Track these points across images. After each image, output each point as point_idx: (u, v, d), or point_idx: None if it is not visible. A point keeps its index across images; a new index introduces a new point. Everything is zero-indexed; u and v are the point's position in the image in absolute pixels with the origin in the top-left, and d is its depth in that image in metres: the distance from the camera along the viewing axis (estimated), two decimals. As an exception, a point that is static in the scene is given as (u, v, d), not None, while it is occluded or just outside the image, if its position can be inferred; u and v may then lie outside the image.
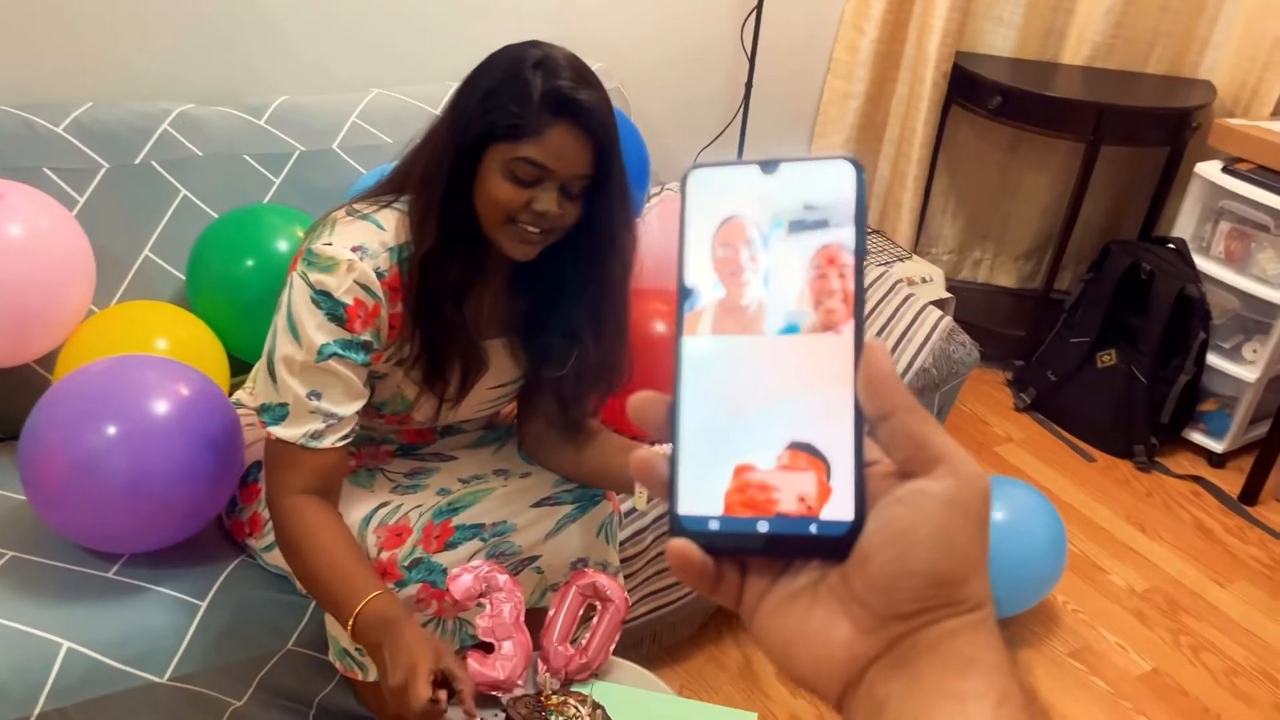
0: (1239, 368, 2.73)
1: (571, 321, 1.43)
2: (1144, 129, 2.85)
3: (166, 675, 1.42)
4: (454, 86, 2.31)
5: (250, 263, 1.76)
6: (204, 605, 1.47)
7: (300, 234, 1.80)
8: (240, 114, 2.01)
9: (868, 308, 2.31)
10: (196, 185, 1.91)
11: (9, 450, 1.55)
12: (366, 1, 2.20)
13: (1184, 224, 2.80)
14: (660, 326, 1.80)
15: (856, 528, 0.38)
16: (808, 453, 0.39)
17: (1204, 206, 2.77)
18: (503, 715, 1.23)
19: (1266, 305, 2.64)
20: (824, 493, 0.39)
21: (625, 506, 1.71)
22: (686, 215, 0.42)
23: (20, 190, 1.60)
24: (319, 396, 1.30)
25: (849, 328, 0.40)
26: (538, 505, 1.51)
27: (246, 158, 1.97)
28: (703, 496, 0.40)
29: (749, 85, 2.66)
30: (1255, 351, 2.72)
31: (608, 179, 1.33)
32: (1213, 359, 2.75)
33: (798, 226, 0.41)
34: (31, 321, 1.59)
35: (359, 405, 1.34)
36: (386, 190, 1.39)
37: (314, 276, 1.28)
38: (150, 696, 1.41)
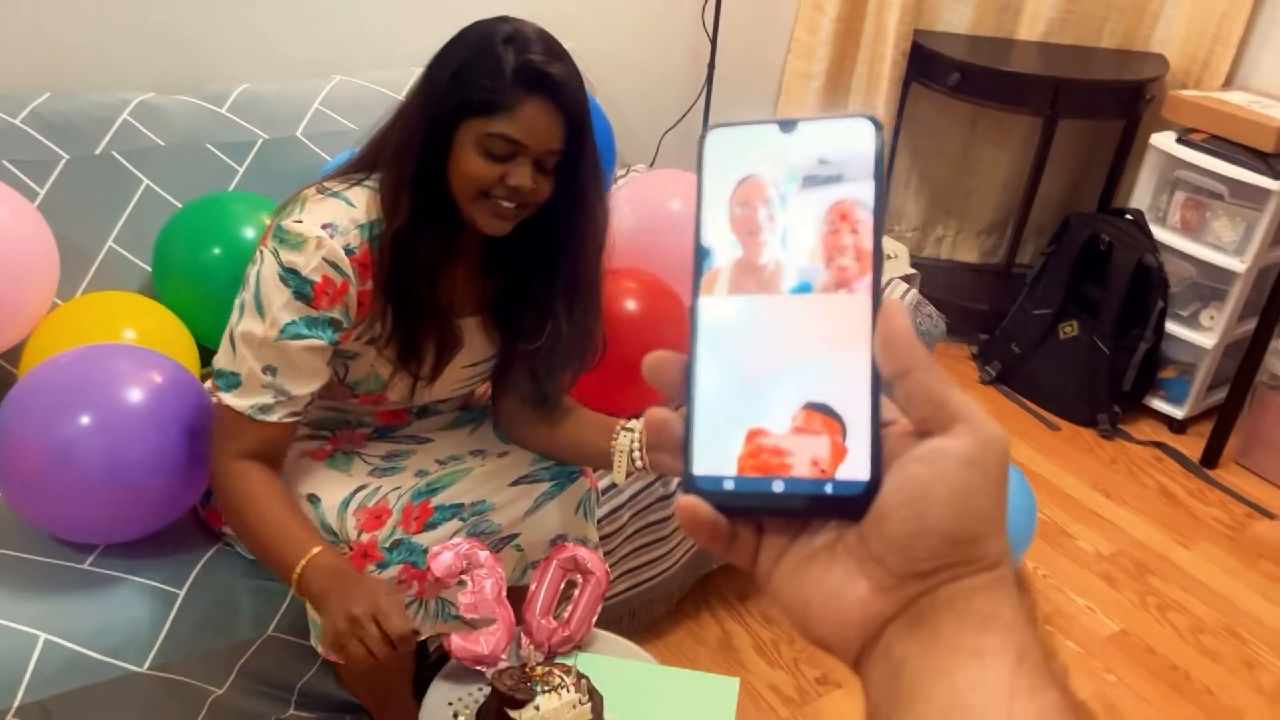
0: (1197, 334, 2.79)
1: (545, 296, 1.43)
2: (1100, 102, 2.90)
3: (146, 665, 1.41)
4: (418, 71, 2.30)
5: (217, 251, 1.75)
6: (182, 594, 1.46)
7: (267, 221, 1.79)
8: (201, 102, 1.99)
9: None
10: (159, 175, 1.89)
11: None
12: (325, -13, 2.19)
13: (1140, 195, 2.85)
14: (632, 305, 1.81)
15: (873, 488, 0.38)
16: (823, 413, 0.39)
17: (1160, 177, 2.82)
18: (488, 688, 1.23)
19: (1222, 272, 2.70)
20: (839, 453, 0.39)
21: (603, 483, 1.72)
22: (704, 175, 0.42)
23: (-21, 182, 1.58)
24: (274, 373, 1.30)
25: (863, 285, 0.39)
26: (516, 484, 1.52)
27: (209, 146, 1.95)
28: (718, 457, 0.40)
29: (711, 66, 2.67)
30: (1212, 318, 2.78)
31: (580, 153, 1.34)
32: (1171, 327, 2.80)
33: (812, 182, 0.40)
34: (-4, 314, 1.58)
35: (314, 387, 1.34)
36: (357, 169, 1.39)
37: (283, 254, 1.28)
38: (130, 687, 1.40)
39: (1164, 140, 2.75)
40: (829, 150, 0.40)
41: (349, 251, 1.30)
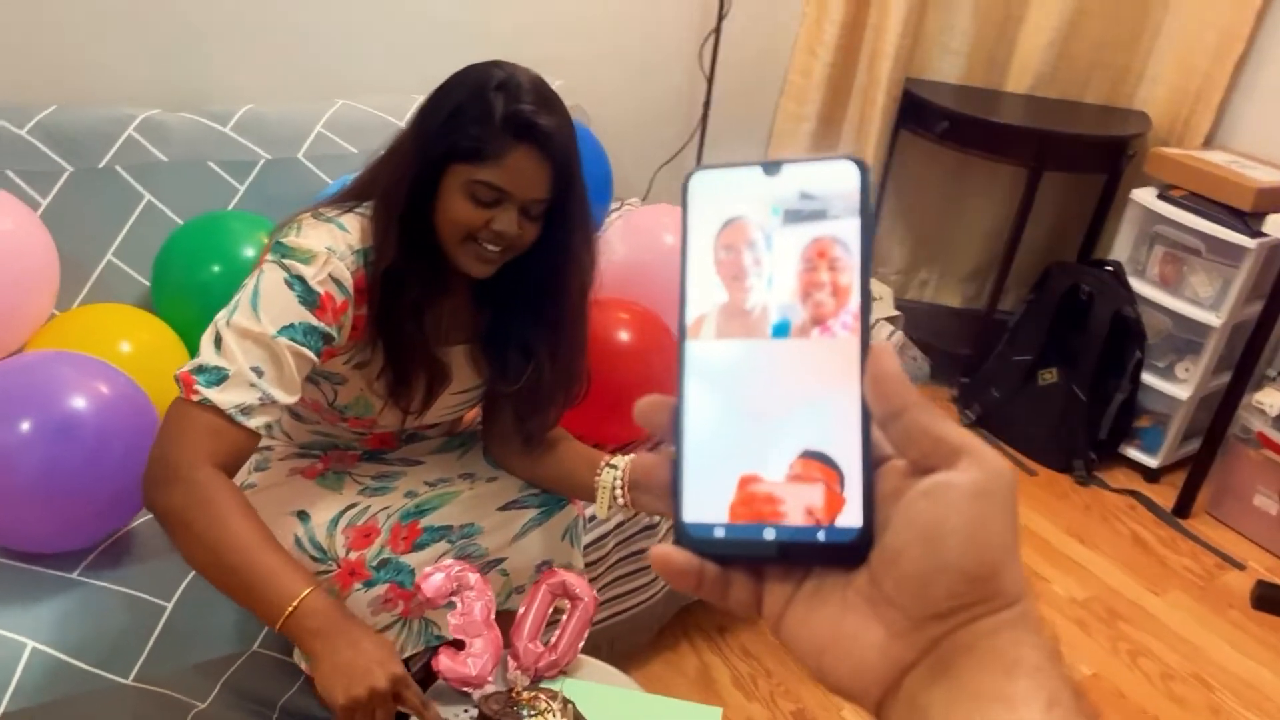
0: (1172, 386, 2.84)
1: (528, 337, 1.44)
2: (1083, 156, 2.97)
3: (131, 677, 1.41)
4: (418, 100, 2.34)
5: (216, 269, 1.77)
6: (169, 606, 1.47)
7: (265, 240, 1.81)
8: (205, 121, 2.02)
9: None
10: (161, 190, 1.92)
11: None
12: (332, 14, 2.22)
13: (1121, 248, 2.92)
14: (624, 336, 1.84)
15: (866, 534, 0.37)
16: (820, 461, 0.38)
17: (1139, 231, 2.88)
18: (474, 711, 1.25)
19: (1198, 326, 2.76)
20: (835, 503, 0.38)
21: (589, 510, 1.74)
22: (689, 219, 0.42)
23: (-16, 191, 1.60)
24: (260, 374, 1.24)
25: (841, 324, 0.39)
26: (504, 509, 1.53)
27: (211, 164, 1.98)
28: (709, 504, 0.40)
29: (707, 104, 2.72)
30: (1187, 370, 2.84)
31: (567, 201, 1.35)
32: (1147, 377, 2.86)
33: (794, 218, 0.40)
34: (-6, 322, 1.59)
35: (293, 399, 1.28)
36: (349, 197, 1.40)
37: (290, 264, 1.27)
38: (114, 699, 1.41)
39: (1145, 195, 2.82)
40: (812, 188, 0.40)
41: (350, 274, 1.32)
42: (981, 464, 0.36)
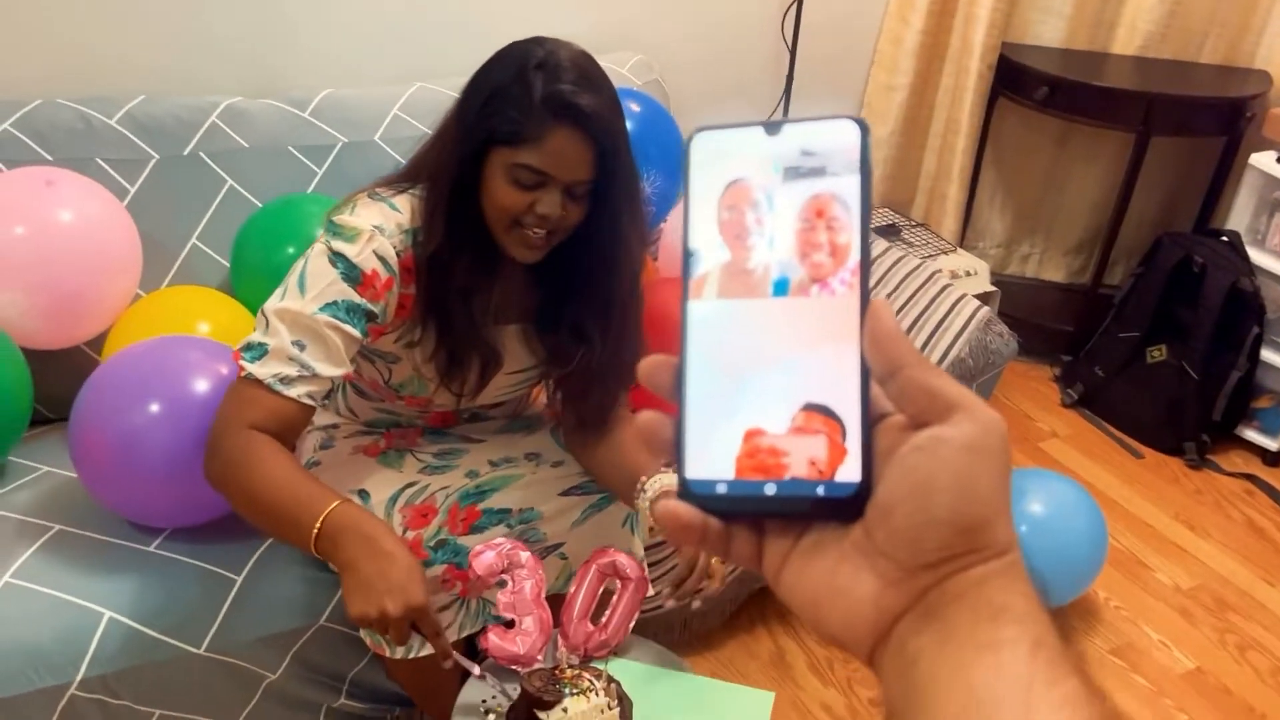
0: (1295, 364, 2.66)
1: (579, 320, 1.43)
2: (1196, 119, 2.79)
3: (203, 647, 1.46)
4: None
5: (291, 250, 1.80)
6: (240, 580, 1.51)
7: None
8: (285, 106, 2.06)
9: (912, 289, 2.29)
10: (242, 176, 1.96)
11: (61, 430, 1.61)
12: (409, -4, 2.24)
13: (1238, 216, 2.74)
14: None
15: (865, 488, 0.38)
16: (823, 414, 0.39)
17: (1259, 198, 2.70)
18: (519, 688, 1.25)
19: (1324, 299, 2.58)
20: (838, 454, 0.39)
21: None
22: (691, 179, 0.42)
23: (70, 178, 1.67)
24: (302, 348, 1.27)
25: (840, 281, 0.40)
26: (565, 494, 1.52)
27: (291, 149, 2.02)
28: (711, 460, 0.40)
29: (790, 77, 2.65)
30: (1312, 347, 2.65)
31: (613, 181, 1.32)
32: (1267, 354, 2.68)
33: (794, 174, 0.41)
34: (80, 304, 1.65)
35: (339, 372, 1.30)
36: (404, 179, 1.41)
37: (335, 243, 1.29)
38: (188, 667, 1.46)
39: (1265, 160, 2.64)
40: (813, 148, 0.41)
41: (397, 253, 1.32)
42: (975, 418, 0.37)
